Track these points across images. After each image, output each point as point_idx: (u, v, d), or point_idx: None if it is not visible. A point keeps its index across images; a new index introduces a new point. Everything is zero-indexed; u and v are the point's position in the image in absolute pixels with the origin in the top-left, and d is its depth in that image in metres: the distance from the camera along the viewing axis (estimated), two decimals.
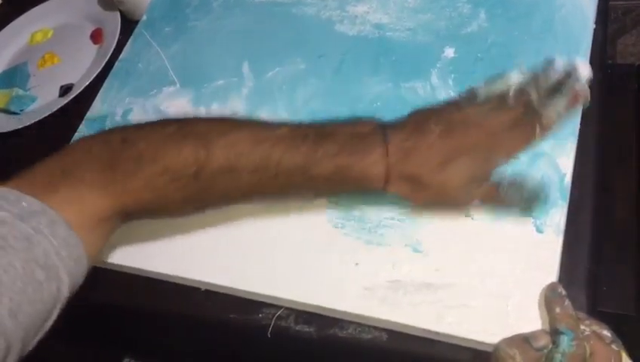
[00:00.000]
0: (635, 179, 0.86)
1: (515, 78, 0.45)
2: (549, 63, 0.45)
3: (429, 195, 0.46)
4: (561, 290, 0.41)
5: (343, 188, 0.47)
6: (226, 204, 0.49)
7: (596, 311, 0.69)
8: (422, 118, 0.47)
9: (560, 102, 0.44)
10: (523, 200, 0.46)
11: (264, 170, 0.45)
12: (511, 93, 0.45)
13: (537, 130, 0.44)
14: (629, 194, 0.85)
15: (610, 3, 1.57)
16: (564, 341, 0.38)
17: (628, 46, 1.49)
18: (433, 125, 0.45)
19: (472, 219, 0.48)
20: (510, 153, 0.45)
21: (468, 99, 0.46)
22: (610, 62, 1.49)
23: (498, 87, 0.46)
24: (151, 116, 0.66)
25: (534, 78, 0.45)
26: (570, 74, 0.44)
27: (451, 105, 0.47)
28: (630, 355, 0.41)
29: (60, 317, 0.41)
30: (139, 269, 0.56)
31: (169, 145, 0.45)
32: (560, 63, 0.45)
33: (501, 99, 0.45)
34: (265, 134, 0.46)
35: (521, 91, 0.45)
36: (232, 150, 0.45)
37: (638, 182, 0.85)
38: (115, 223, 0.45)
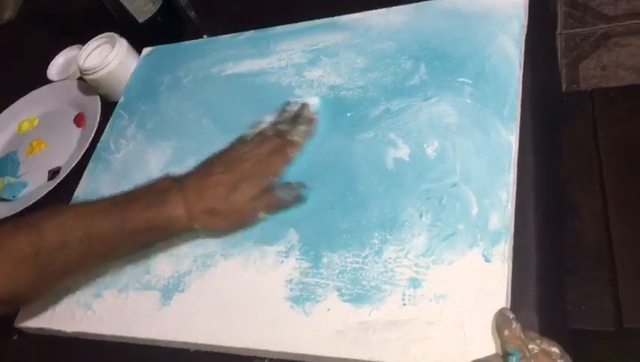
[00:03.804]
0: (599, 198, 0.90)
1: (268, 119, 0.66)
2: (287, 103, 0.67)
3: (226, 220, 0.59)
4: (509, 314, 0.45)
5: (158, 235, 0.60)
6: (71, 275, 0.61)
7: (569, 329, 0.72)
8: (207, 164, 0.62)
9: (301, 128, 0.64)
10: (292, 196, 0.60)
11: (89, 238, 0.56)
12: (267, 129, 0.64)
13: (290, 151, 0.62)
14: (595, 213, 0.89)
15: (569, 31, 1.66)
16: (513, 361, 0.42)
17: (589, 70, 1.56)
18: (216, 167, 0.61)
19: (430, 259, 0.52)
20: (276, 171, 0.61)
21: (239, 141, 0.64)
22: (574, 86, 1.57)
23: (258, 127, 0.65)
24: None
25: (280, 114, 0.66)
26: (303, 106, 0.66)
27: (228, 149, 0.64)
28: None
29: None
30: (131, 338, 0.60)
31: (6, 237, 0.56)
32: (295, 101, 0.67)
33: (261, 134, 0.64)
34: (85, 210, 0.58)
35: (274, 126, 0.65)
36: (60, 228, 0.56)
37: (603, 201, 0.90)
38: None
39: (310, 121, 0.65)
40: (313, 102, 0.66)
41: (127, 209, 0.57)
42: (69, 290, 0.65)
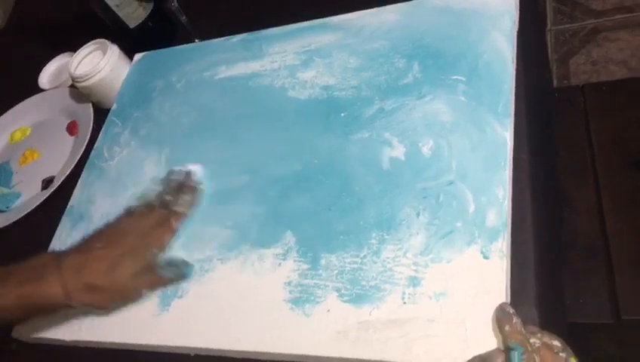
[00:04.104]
0: (594, 191, 0.91)
1: (155, 189, 0.64)
2: (171, 172, 0.66)
3: (108, 297, 0.57)
4: (509, 309, 0.45)
5: (32, 312, 0.58)
6: None
7: (567, 323, 0.73)
8: (87, 239, 0.60)
9: (185, 198, 0.63)
10: (177, 274, 0.59)
11: None
12: (152, 200, 0.62)
13: (174, 222, 0.61)
14: (590, 207, 0.90)
15: (558, 27, 1.67)
16: (515, 356, 0.41)
17: (580, 65, 1.57)
18: (96, 242, 0.59)
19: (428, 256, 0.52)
20: (160, 245, 0.60)
21: (124, 214, 0.62)
22: (565, 82, 1.57)
23: (145, 199, 0.63)
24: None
25: (164, 184, 0.64)
26: (187, 174, 0.65)
27: (111, 222, 0.62)
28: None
29: None
30: (130, 345, 0.59)
31: None
32: (179, 170, 0.66)
33: (147, 206, 0.62)
34: None
35: (159, 196, 0.63)
36: None
37: (597, 195, 0.90)
38: None
39: (193, 190, 0.64)
40: (196, 169, 0.67)
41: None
42: None
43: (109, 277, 0.56)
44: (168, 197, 0.63)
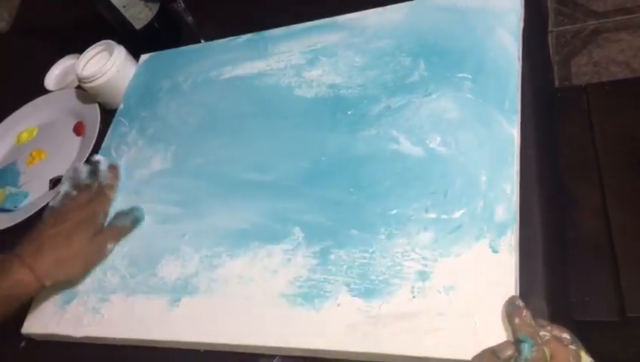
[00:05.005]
0: (598, 191, 0.91)
1: (64, 187, 0.70)
2: (76, 168, 0.72)
3: (75, 265, 0.62)
4: (519, 302, 0.45)
5: (13, 303, 0.60)
6: None
7: (572, 320, 0.73)
8: (36, 229, 0.64)
9: (105, 174, 0.71)
10: (132, 219, 0.66)
11: None
12: (69, 189, 0.69)
13: (108, 191, 0.69)
14: (595, 206, 0.90)
15: (560, 28, 1.67)
16: (525, 348, 0.42)
17: (581, 66, 1.58)
18: (45, 225, 0.64)
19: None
20: (103, 208, 0.67)
21: (60, 198, 0.69)
22: (566, 83, 1.58)
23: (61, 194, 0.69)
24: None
25: (73, 180, 0.70)
26: (94, 162, 0.71)
27: (53, 208, 0.68)
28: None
29: None
30: (141, 340, 0.60)
31: None
32: (83, 165, 0.73)
33: (76, 187, 0.70)
34: None
35: (75, 186, 0.70)
36: None
37: (601, 194, 0.90)
38: None
39: (113, 167, 0.72)
40: (100, 159, 0.72)
41: None
42: (75, 296, 0.65)
43: (71, 245, 0.61)
44: (85, 181, 0.70)
